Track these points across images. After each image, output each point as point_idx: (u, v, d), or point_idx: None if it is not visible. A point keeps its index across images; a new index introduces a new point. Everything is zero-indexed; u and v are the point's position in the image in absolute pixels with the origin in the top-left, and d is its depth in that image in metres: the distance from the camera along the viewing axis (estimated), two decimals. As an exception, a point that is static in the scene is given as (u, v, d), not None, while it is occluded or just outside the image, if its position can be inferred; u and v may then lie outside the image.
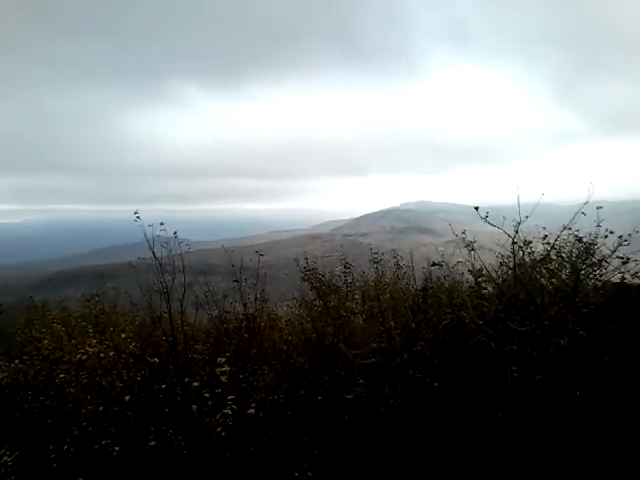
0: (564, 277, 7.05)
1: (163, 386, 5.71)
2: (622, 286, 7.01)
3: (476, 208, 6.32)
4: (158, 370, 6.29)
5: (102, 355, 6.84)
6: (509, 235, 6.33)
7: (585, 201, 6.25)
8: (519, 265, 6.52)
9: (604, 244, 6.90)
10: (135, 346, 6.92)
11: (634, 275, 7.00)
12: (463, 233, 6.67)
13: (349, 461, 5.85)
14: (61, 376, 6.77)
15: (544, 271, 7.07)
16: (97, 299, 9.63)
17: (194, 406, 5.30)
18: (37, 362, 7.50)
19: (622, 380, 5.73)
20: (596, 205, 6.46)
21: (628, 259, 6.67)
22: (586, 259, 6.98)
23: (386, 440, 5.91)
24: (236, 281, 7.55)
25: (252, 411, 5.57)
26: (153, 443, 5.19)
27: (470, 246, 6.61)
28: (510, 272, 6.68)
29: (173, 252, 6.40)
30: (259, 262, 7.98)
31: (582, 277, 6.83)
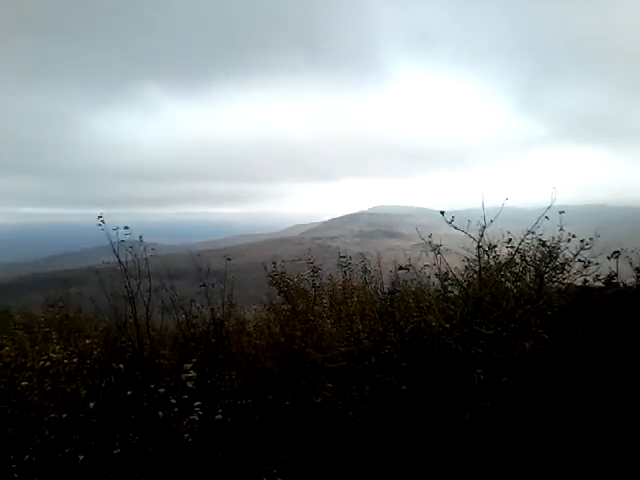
0: (528, 280, 7.18)
1: (129, 392, 5.62)
2: (584, 289, 7.15)
3: (442, 212, 6.38)
4: (124, 376, 6.19)
5: (66, 362, 6.71)
6: (474, 239, 6.41)
7: (548, 205, 6.37)
8: (484, 268, 6.62)
9: (567, 248, 7.05)
10: (100, 352, 6.81)
11: (596, 278, 7.16)
12: (429, 237, 6.74)
13: (318, 465, 5.84)
14: (23, 384, 6.61)
15: (509, 274, 7.19)
16: (61, 304, 9.46)
17: (160, 412, 5.23)
18: (-2, 370, 7.32)
19: (584, 381, 5.85)
20: (559, 209, 6.59)
21: (590, 262, 6.83)
22: (549, 262, 7.12)
23: (354, 444, 5.92)
24: (203, 285, 7.51)
25: (219, 417, 5.52)
26: (118, 450, 5.11)
27: (436, 250, 6.69)
28: (475, 275, 6.77)
29: (138, 256, 6.32)
30: (227, 266, 7.94)
31: (546, 280, 6.97)
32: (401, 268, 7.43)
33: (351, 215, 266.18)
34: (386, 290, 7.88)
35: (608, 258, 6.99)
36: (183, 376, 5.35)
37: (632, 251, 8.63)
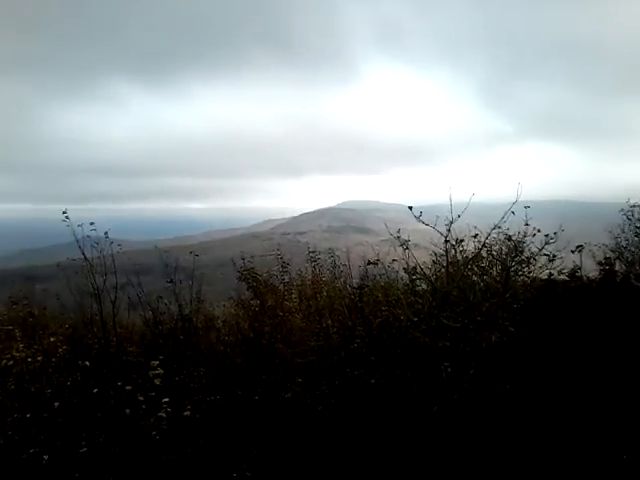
0: (495, 274, 7.27)
1: (95, 390, 5.54)
2: (550, 282, 7.27)
3: (410, 207, 6.42)
4: (90, 374, 6.10)
5: (30, 360, 6.58)
6: (442, 234, 6.47)
7: (514, 201, 6.46)
8: (452, 263, 6.68)
9: (532, 242, 7.17)
10: (66, 350, 6.69)
11: (560, 272, 7.29)
12: (398, 232, 6.78)
13: (287, 459, 5.85)
14: (-16, 384, 6.47)
15: (476, 269, 7.27)
16: (25, 302, 9.27)
17: (128, 410, 5.17)
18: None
19: (548, 372, 5.96)
20: (524, 205, 6.68)
21: (554, 256, 6.95)
22: (515, 257, 7.23)
23: (324, 438, 5.94)
24: (170, 281, 7.43)
25: (188, 413, 5.47)
26: (85, 449, 5.03)
27: (404, 245, 6.73)
28: (443, 270, 6.84)
29: (104, 252, 6.23)
30: (194, 262, 7.88)
31: (512, 274, 7.07)
32: (369, 263, 7.46)
33: (321, 210, 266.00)
34: (355, 285, 7.91)
35: (572, 252, 7.13)
36: (150, 373, 5.29)
37: (595, 245, 8.83)
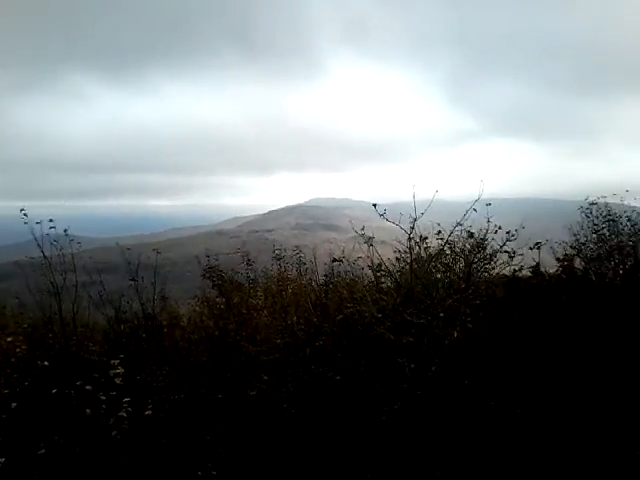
0: (458, 271, 7.36)
1: (54, 390, 5.43)
2: (512, 278, 7.39)
3: (374, 205, 6.46)
4: (50, 374, 5.99)
5: (-14, 360, 6.42)
6: (406, 231, 6.53)
7: (476, 198, 6.55)
8: (415, 260, 6.75)
9: (494, 239, 7.27)
10: (25, 349, 6.55)
11: (520, 268, 7.42)
12: (362, 229, 6.81)
13: (253, 457, 5.83)
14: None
15: (439, 265, 7.37)
16: (-19, 301, 9.04)
17: (88, 410, 5.08)
18: None
19: (510, 368, 6.07)
20: (487, 202, 6.78)
21: (515, 253, 7.07)
22: (477, 253, 7.33)
23: (289, 435, 5.94)
24: (133, 279, 7.34)
25: (150, 412, 5.42)
26: (43, 451, 4.93)
27: (369, 242, 6.77)
28: (407, 266, 6.90)
29: (64, 250, 6.12)
30: (157, 260, 7.79)
31: (474, 271, 7.17)
32: (335, 260, 7.48)
33: (289, 207, 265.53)
34: (321, 282, 7.92)
35: (530, 249, 7.25)
36: (111, 372, 5.21)
37: (555, 242, 9.01)
